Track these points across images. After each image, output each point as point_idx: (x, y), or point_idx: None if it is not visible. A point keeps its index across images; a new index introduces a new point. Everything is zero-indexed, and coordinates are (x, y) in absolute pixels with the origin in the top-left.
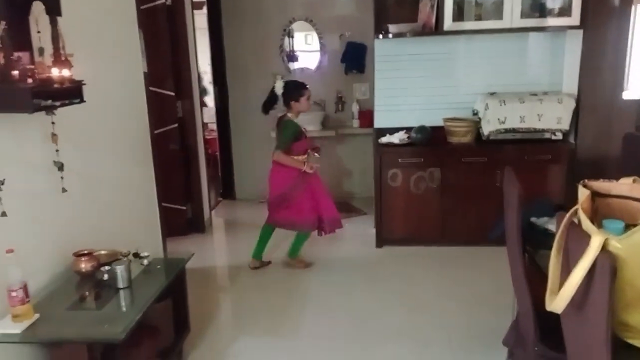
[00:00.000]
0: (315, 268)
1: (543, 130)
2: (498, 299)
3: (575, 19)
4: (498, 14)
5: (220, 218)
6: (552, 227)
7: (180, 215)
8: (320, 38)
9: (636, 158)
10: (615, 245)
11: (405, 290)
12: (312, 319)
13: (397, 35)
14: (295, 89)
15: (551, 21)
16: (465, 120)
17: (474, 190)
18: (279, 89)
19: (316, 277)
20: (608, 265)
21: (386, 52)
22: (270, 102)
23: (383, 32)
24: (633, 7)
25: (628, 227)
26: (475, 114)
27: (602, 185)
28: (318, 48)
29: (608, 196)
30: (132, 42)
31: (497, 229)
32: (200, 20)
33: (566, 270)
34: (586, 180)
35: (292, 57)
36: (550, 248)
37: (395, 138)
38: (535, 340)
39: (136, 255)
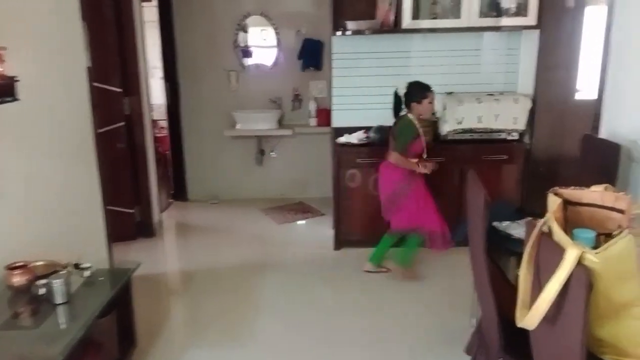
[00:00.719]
0: (271, 271)
1: (500, 131)
2: (459, 301)
3: (531, 18)
4: (456, 12)
5: (172, 221)
6: (515, 232)
7: (128, 219)
8: (276, 34)
9: (594, 159)
10: (592, 259)
11: (364, 293)
12: (268, 325)
13: (356, 32)
14: (418, 91)
15: (508, 21)
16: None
17: (432, 190)
18: (401, 90)
19: (272, 281)
20: (584, 280)
21: (344, 49)
22: (397, 107)
23: (341, 29)
24: (586, 9)
25: (599, 236)
26: (432, 113)
27: (572, 193)
28: (274, 44)
29: (579, 204)
30: (74, 34)
31: (460, 231)
32: (150, 13)
33: (537, 283)
34: (557, 188)
35: (246, 52)
36: (514, 254)
37: (354, 138)
38: (499, 350)
39: (77, 266)
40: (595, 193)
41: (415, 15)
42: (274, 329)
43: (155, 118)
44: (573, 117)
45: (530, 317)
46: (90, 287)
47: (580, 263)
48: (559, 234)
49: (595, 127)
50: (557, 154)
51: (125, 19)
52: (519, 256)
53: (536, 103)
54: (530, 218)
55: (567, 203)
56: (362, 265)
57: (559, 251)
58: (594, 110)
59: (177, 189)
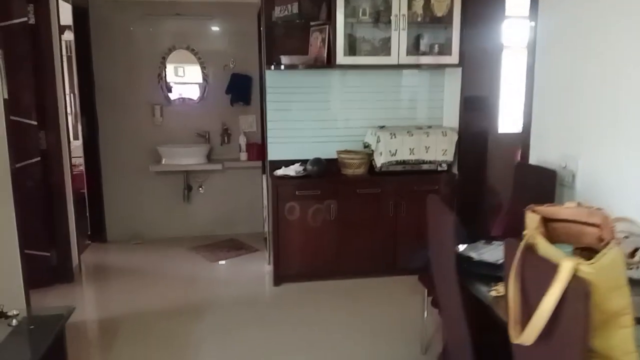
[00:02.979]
0: (206, 314)
1: (430, 162)
2: (403, 330)
3: (454, 57)
4: (386, 50)
5: (90, 264)
6: (479, 256)
7: (44, 263)
8: (202, 68)
9: (529, 185)
10: (587, 270)
11: (307, 329)
12: None
13: (289, 66)
14: None
15: (434, 59)
16: (359, 153)
17: (369, 221)
18: None
19: (208, 324)
20: (583, 291)
21: (277, 83)
22: None
23: (274, 63)
24: (503, 53)
25: (576, 250)
26: (366, 146)
27: (548, 210)
28: (200, 78)
29: (554, 220)
30: None
31: (418, 258)
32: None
33: (524, 300)
34: (533, 206)
35: (171, 87)
36: (483, 276)
37: (291, 170)
38: None
39: (1, 314)
40: (569, 209)
41: (347, 52)
42: None
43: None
44: (497, 149)
45: (527, 334)
46: (18, 338)
47: (575, 275)
48: (547, 248)
49: (524, 156)
50: (481, 182)
51: (43, 49)
52: (488, 278)
53: (461, 136)
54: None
55: (544, 220)
56: (304, 301)
57: (548, 266)
58: (517, 142)
59: (94, 230)
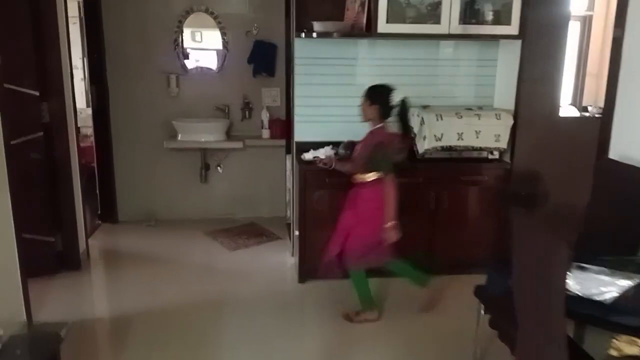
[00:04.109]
0: (226, 311)
1: (481, 149)
2: (451, 341)
3: (514, 27)
4: (435, 18)
5: (100, 248)
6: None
7: (47, 249)
8: (222, 34)
9: (616, 190)
10: None
11: (337, 334)
12: None
13: (322, 34)
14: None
15: (490, 29)
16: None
17: (406, 214)
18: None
19: (227, 323)
20: None
21: (307, 53)
22: (405, 119)
23: (305, 31)
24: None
25: None
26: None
27: None
28: (220, 45)
29: None
30: None
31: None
32: (72, 8)
33: None
34: None
35: (188, 54)
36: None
37: (321, 154)
38: None
39: None
40: None
41: (390, 19)
42: None
43: (78, 125)
44: (556, 135)
45: None
46: None
47: None
48: None
49: (602, 149)
50: (539, 175)
51: (44, 12)
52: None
53: (517, 120)
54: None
55: None
56: (333, 302)
57: None
58: (585, 128)
59: (105, 209)
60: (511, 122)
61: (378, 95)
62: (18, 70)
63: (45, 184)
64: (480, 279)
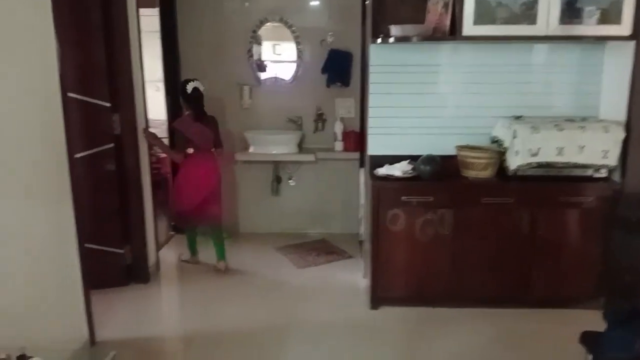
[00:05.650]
0: (296, 335)
1: (585, 166)
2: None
3: (625, 27)
4: (531, 18)
5: (171, 260)
6: None
7: (117, 261)
8: (297, 43)
9: None
10: None
11: None
12: None
13: (401, 39)
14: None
15: (596, 29)
16: (486, 150)
17: (495, 238)
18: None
19: (298, 349)
20: None
21: (384, 60)
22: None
23: (382, 36)
24: None
25: None
26: (495, 142)
27: None
28: (294, 55)
29: None
30: (42, 34)
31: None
32: (151, 22)
33: None
34: None
35: (262, 65)
36: None
37: (397, 169)
38: None
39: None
40: None
41: (478, 21)
42: None
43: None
44: None
45: None
46: None
47: None
48: None
49: None
50: None
51: (116, 21)
52: None
53: (630, 133)
54: None
55: None
56: (409, 332)
57: None
58: None
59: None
60: (622, 135)
61: None
62: (89, 81)
63: (116, 196)
64: (581, 316)
